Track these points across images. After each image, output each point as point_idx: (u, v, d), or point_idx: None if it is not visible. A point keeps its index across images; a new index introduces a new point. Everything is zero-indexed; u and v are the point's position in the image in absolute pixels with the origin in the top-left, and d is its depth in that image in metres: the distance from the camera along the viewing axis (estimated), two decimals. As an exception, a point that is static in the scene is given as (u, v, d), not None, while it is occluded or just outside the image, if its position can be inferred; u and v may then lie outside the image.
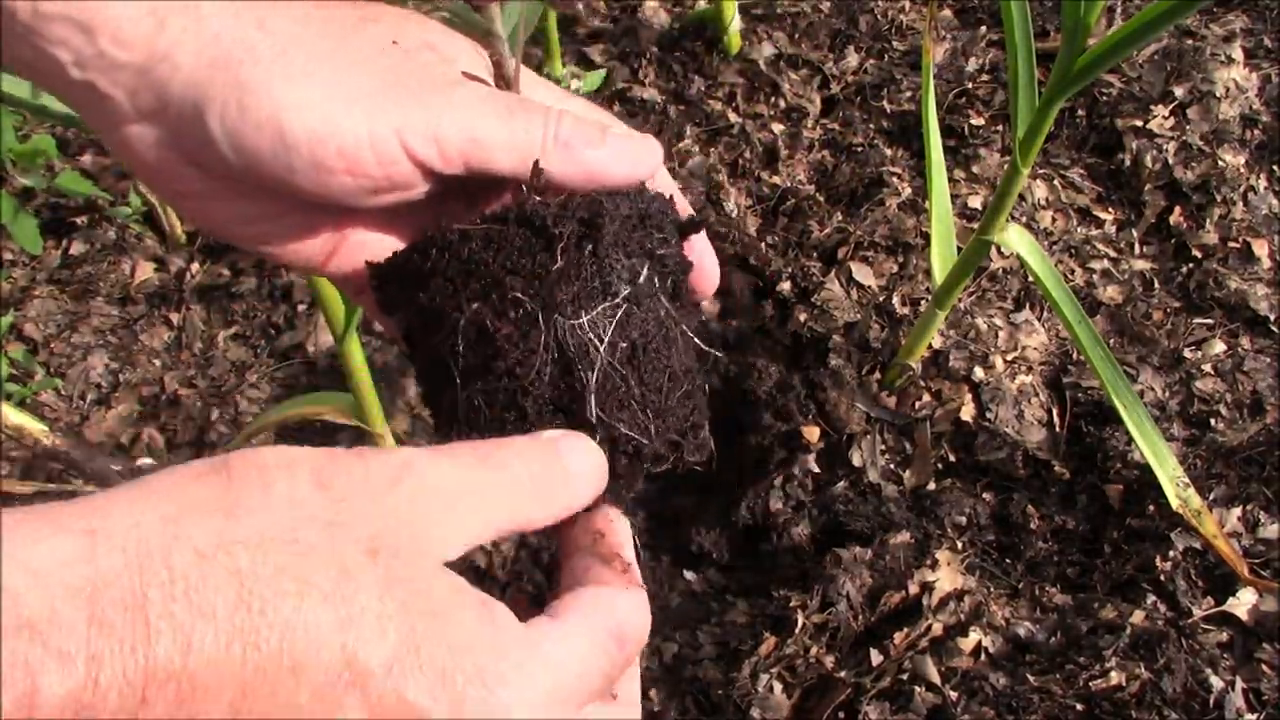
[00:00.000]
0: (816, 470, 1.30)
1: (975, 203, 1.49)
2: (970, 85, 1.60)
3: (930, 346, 1.33)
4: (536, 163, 0.47)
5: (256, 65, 0.44)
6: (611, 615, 0.43)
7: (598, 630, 0.42)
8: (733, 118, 1.62)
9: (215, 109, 0.44)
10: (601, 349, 0.43)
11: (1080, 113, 1.56)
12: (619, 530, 0.48)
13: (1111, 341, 1.35)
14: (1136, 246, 1.45)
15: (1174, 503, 1.10)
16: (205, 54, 0.44)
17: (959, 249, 1.17)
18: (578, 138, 0.47)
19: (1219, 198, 1.43)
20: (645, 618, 0.45)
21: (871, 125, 1.62)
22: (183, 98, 0.44)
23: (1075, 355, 1.33)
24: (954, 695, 1.02)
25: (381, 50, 0.46)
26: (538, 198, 0.47)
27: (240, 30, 0.44)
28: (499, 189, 0.52)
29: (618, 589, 0.45)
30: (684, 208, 0.51)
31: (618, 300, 0.44)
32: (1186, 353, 1.32)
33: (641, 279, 0.45)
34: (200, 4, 0.44)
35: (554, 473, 0.43)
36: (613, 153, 0.48)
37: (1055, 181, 1.52)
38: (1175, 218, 1.45)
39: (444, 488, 0.40)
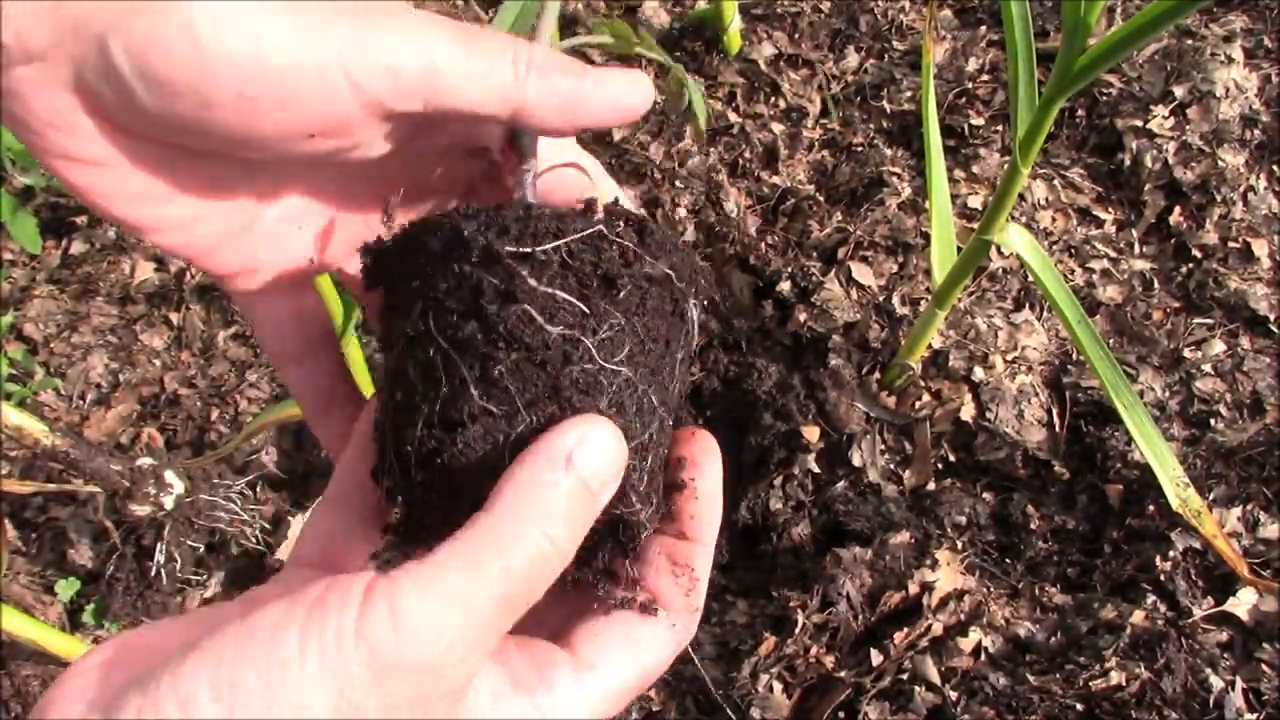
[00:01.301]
0: (816, 470, 1.30)
1: (975, 203, 1.49)
2: (970, 85, 1.60)
3: (930, 346, 1.33)
4: (514, 134, 0.42)
5: None
6: (648, 656, 0.43)
7: (630, 679, 0.42)
8: (733, 118, 1.62)
9: (120, 33, 0.36)
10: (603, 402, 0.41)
11: (1080, 113, 1.56)
12: (706, 525, 0.45)
13: (1111, 341, 1.35)
14: (1136, 246, 1.45)
15: (1174, 503, 1.10)
16: None
17: (959, 249, 1.17)
18: (554, 66, 0.40)
19: (1219, 198, 1.43)
20: (678, 650, 0.44)
21: (871, 125, 1.62)
22: (80, 24, 0.36)
23: (1075, 355, 1.33)
24: (954, 695, 1.02)
25: None
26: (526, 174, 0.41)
27: None
28: (461, 158, 0.46)
29: (665, 626, 0.44)
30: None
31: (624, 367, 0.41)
32: (1186, 353, 1.32)
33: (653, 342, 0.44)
34: None
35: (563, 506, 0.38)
36: (595, 82, 0.41)
37: (1055, 181, 1.52)
38: (1175, 218, 1.45)
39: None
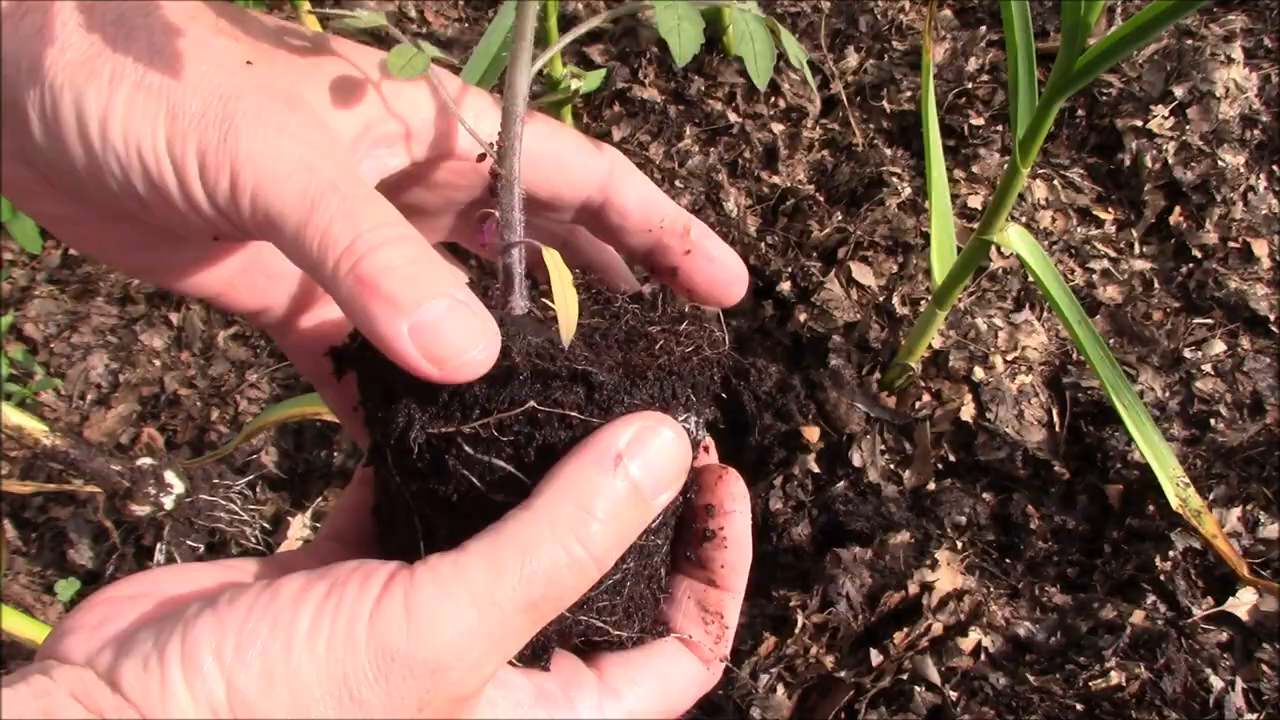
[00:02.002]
0: (816, 470, 1.30)
1: (975, 203, 1.49)
2: (970, 85, 1.60)
3: (930, 346, 1.33)
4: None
5: (67, 68, 0.34)
6: (674, 693, 0.42)
7: (653, 712, 0.41)
8: (733, 117, 1.62)
9: (33, 117, 0.35)
10: None
11: (1080, 113, 1.56)
12: (736, 573, 0.44)
13: (1111, 341, 1.35)
14: (1136, 246, 1.45)
15: (1174, 503, 1.10)
16: (25, 51, 0.35)
17: (959, 249, 1.17)
18: (384, 279, 0.34)
19: (1219, 198, 1.43)
20: (703, 692, 0.43)
21: (871, 125, 1.62)
22: (11, 103, 0.36)
23: (1075, 355, 1.33)
24: (954, 695, 1.02)
25: (223, 66, 0.36)
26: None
27: (60, 26, 0.35)
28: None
29: (696, 665, 0.43)
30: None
31: None
32: (1186, 353, 1.32)
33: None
34: None
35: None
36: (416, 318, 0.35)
37: (1055, 181, 1.52)
38: (1175, 218, 1.45)
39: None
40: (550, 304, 0.39)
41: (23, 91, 0.35)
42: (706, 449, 0.48)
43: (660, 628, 0.44)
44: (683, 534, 0.45)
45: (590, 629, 0.41)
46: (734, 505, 0.44)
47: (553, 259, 0.40)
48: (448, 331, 0.35)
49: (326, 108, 0.38)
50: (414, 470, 0.38)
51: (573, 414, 0.37)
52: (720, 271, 0.46)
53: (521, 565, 0.34)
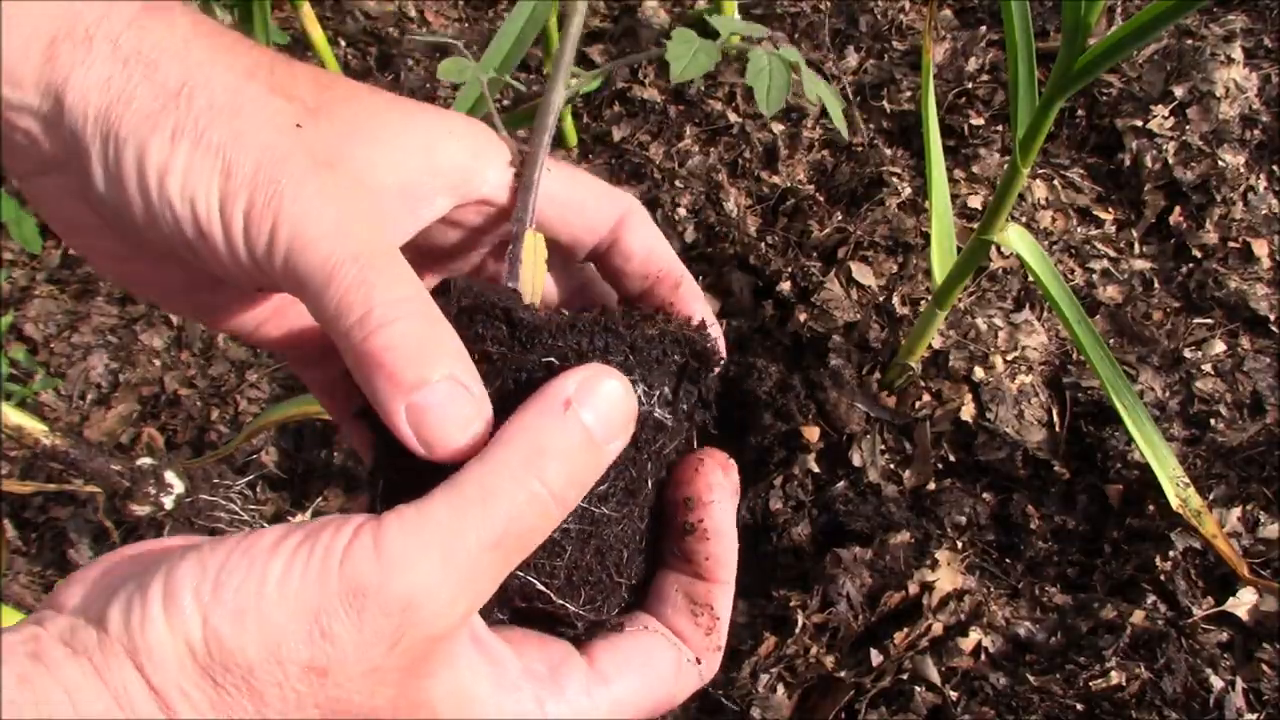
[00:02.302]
0: (816, 470, 1.30)
1: (975, 203, 1.49)
2: (970, 85, 1.60)
3: (930, 346, 1.33)
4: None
5: (132, 120, 0.38)
6: (664, 684, 0.42)
7: (642, 702, 0.42)
8: (733, 118, 1.62)
9: (96, 164, 0.38)
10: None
11: (1080, 113, 1.57)
12: (723, 564, 0.44)
13: (1111, 341, 1.35)
14: (1136, 246, 1.46)
15: (1174, 503, 1.10)
16: (94, 100, 0.38)
17: (959, 249, 1.17)
18: (388, 356, 0.37)
19: (1219, 198, 1.43)
20: (699, 686, 0.44)
21: (871, 125, 1.62)
22: (75, 148, 0.39)
23: (1075, 355, 1.33)
24: (954, 695, 1.02)
25: (276, 127, 0.39)
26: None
27: (126, 78, 0.38)
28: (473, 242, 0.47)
29: (686, 657, 0.43)
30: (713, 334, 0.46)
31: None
32: (1186, 353, 1.32)
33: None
34: (92, 41, 0.38)
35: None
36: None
37: (1055, 181, 1.52)
38: (1175, 218, 1.45)
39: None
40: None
41: (87, 139, 0.38)
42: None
43: (638, 617, 0.45)
44: (665, 529, 0.45)
45: (528, 587, 0.41)
46: (712, 495, 0.44)
47: (532, 240, 0.43)
48: (440, 416, 0.37)
49: (370, 166, 0.41)
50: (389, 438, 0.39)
51: (493, 349, 0.39)
52: (683, 310, 0.49)
53: (483, 504, 0.35)
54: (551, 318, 0.41)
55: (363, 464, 1.35)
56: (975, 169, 1.52)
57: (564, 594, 0.42)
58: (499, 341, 0.40)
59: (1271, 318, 1.33)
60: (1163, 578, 1.11)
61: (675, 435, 0.44)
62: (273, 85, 0.40)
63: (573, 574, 0.42)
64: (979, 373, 1.32)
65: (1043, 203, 1.49)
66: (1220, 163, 1.45)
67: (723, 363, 0.46)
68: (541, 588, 0.41)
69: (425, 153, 0.42)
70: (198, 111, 0.38)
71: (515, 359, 0.40)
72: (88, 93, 0.38)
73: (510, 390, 0.39)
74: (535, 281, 0.43)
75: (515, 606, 0.42)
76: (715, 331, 0.47)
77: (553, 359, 0.39)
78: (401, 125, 0.42)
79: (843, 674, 1.05)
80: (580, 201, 0.47)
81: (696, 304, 0.48)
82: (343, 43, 1.83)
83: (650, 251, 0.47)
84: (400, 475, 0.40)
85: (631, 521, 0.44)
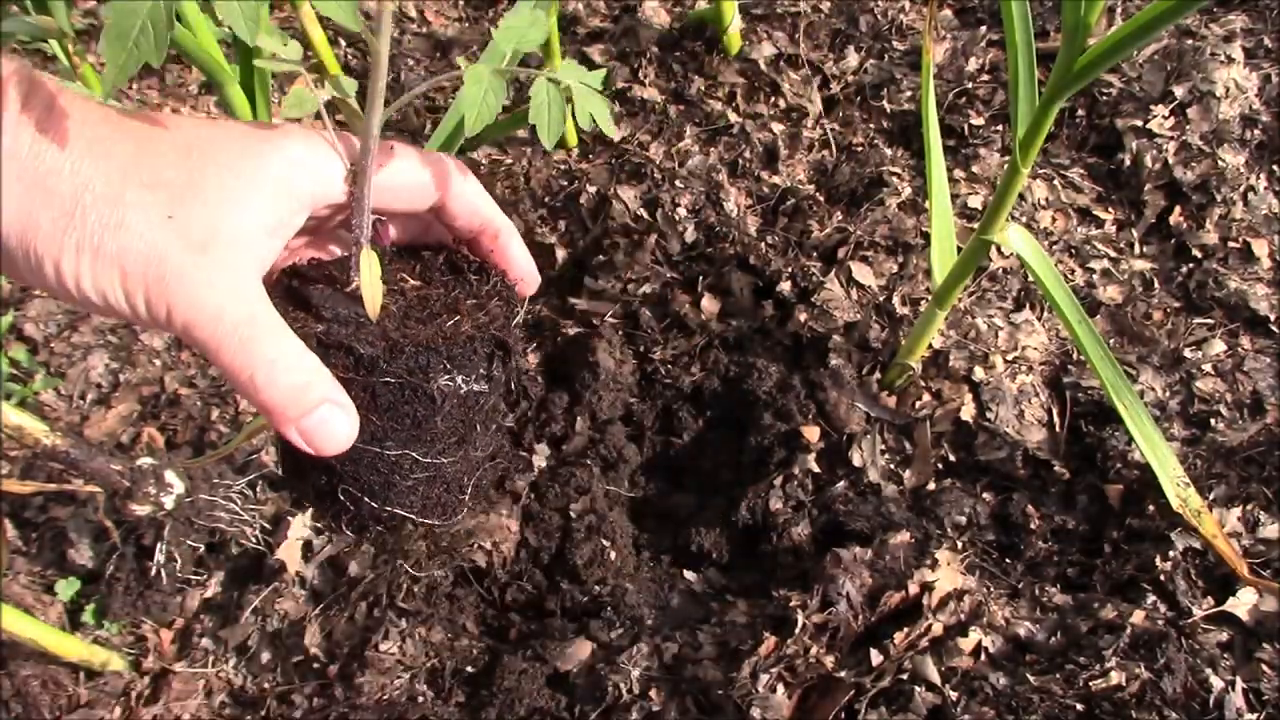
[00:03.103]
0: (816, 470, 1.30)
1: (975, 203, 1.49)
2: (970, 85, 1.60)
3: (930, 346, 1.33)
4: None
5: (45, 239, 0.49)
6: None
7: None
8: (733, 118, 1.62)
9: (22, 269, 0.49)
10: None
11: (1080, 113, 1.57)
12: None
13: (1111, 341, 1.35)
14: (1136, 246, 1.46)
15: (1174, 503, 1.10)
16: (13, 229, 0.48)
17: (959, 249, 1.17)
18: (275, 399, 0.51)
19: (1219, 198, 1.43)
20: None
21: (871, 125, 1.62)
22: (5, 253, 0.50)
23: (1075, 355, 1.33)
24: (954, 695, 1.02)
25: (152, 224, 0.49)
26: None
27: (30, 204, 0.48)
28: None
29: None
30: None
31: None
32: (1186, 353, 1.32)
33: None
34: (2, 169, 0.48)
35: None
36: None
37: (1055, 181, 1.52)
38: (1175, 218, 1.45)
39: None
40: (388, 281, 0.57)
41: (12, 251, 0.48)
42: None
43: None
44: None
45: (395, 517, 0.60)
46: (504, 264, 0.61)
47: (366, 259, 0.55)
48: (323, 431, 0.52)
49: (237, 229, 0.51)
50: None
51: (345, 374, 0.54)
52: (513, 269, 0.62)
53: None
54: (385, 346, 0.54)
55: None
56: (975, 169, 1.52)
57: (423, 514, 0.60)
58: (348, 369, 0.54)
59: (1271, 318, 1.33)
60: (1163, 578, 1.11)
61: (492, 393, 0.59)
62: (143, 180, 0.49)
63: (426, 502, 0.60)
64: (979, 373, 1.32)
65: (1043, 203, 1.50)
66: (1220, 163, 1.45)
67: (527, 298, 0.62)
68: (405, 514, 0.59)
69: (281, 192, 0.52)
70: (90, 228, 0.48)
71: (361, 380, 0.54)
72: (10, 220, 0.47)
73: (361, 398, 0.54)
74: (373, 295, 0.55)
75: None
76: (525, 267, 0.62)
77: (388, 379, 0.54)
78: (255, 172, 0.52)
79: (843, 674, 1.05)
80: (407, 185, 0.57)
81: (513, 247, 0.61)
82: (343, 43, 1.83)
83: (469, 210, 0.59)
84: (290, 451, 0.57)
85: (466, 459, 0.60)
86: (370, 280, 0.54)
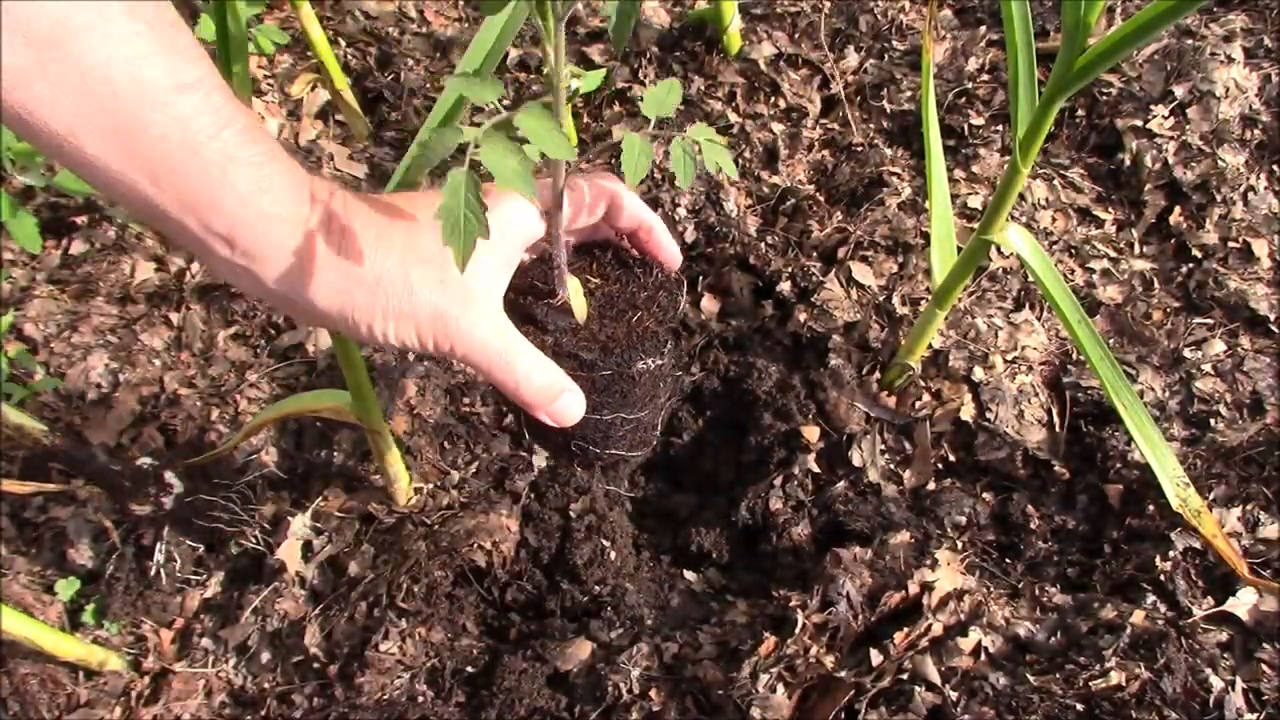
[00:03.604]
0: (816, 470, 1.29)
1: (975, 203, 1.49)
2: (970, 85, 1.60)
3: (930, 346, 1.33)
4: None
5: (361, 310, 0.68)
6: None
7: None
8: (733, 117, 1.62)
9: (332, 323, 0.69)
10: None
11: (1080, 113, 1.57)
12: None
13: (1111, 341, 1.35)
14: (1136, 246, 1.46)
15: (1174, 503, 1.10)
16: (333, 302, 0.67)
17: (959, 249, 1.17)
18: (533, 398, 0.72)
19: (1219, 198, 1.43)
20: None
21: (871, 125, 1.62)
22: (331, 312, 0.68)
23: (1075, 355, 1.33)
24: (954, 695, 1.02)
25: (430, 289, 0.68)
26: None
27: (344, 283, 0.66)
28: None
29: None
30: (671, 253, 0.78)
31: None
32: (1186, 353, 1.32)
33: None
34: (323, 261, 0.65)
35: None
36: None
37: (1055, 181, 1.52)
38: (1175, 218, 1.45)
39: None
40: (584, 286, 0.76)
41: (339, 314, 0.66)
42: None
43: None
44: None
45: (612, 455, 0.82)
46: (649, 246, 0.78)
47: (572, 284, 0.74)
48: (564, 413, 0.73)
49: (487, 281, 0.70)
50: None
51: (573, 371, 0.74)
52: (661, 254, 0.78)
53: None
54: (599, 349, 0.74)
55: (365, 461, 1.34)
56: (975, 169, 1.52)
57: (631, 450, 0.82)
58: (574, 369, 0.73)
59: (1271, 318, 1.33)
60: (1163, 578, 1.11)
61: (669, 364, 0.80)
62: (419, 258, 0.66)
63: (632, 443, 0.81)
64: (979, 373, 1.32)
65: (1043, 203, 1.49)
66: (1220, 163, 1.45)
67: (685, 281, 0.80)
68: (619, 453, 0.81)
69: (504, 243, 0.71)
70: (391, 299, 0.66)
71: (585, 375, 0.74)
72: (330, 298, 0.65)
73: (584, 384, 0.74)
74: (580, 308, 0.74)
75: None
76: (672, 252, 0.78)
77: (604, 372, 0.74)
78: (493, 235, 0.66)
79: (843, 674, 1.05)
80: (586, 205, 0.75)
81: (663, 237, 0.78)
82: (343, 43, 1.83)
83: (633, 215, 0.76)
84: (536, 423, 0.75)
85: (656, 409, 0.81)
86: (577, 299, 0.74)
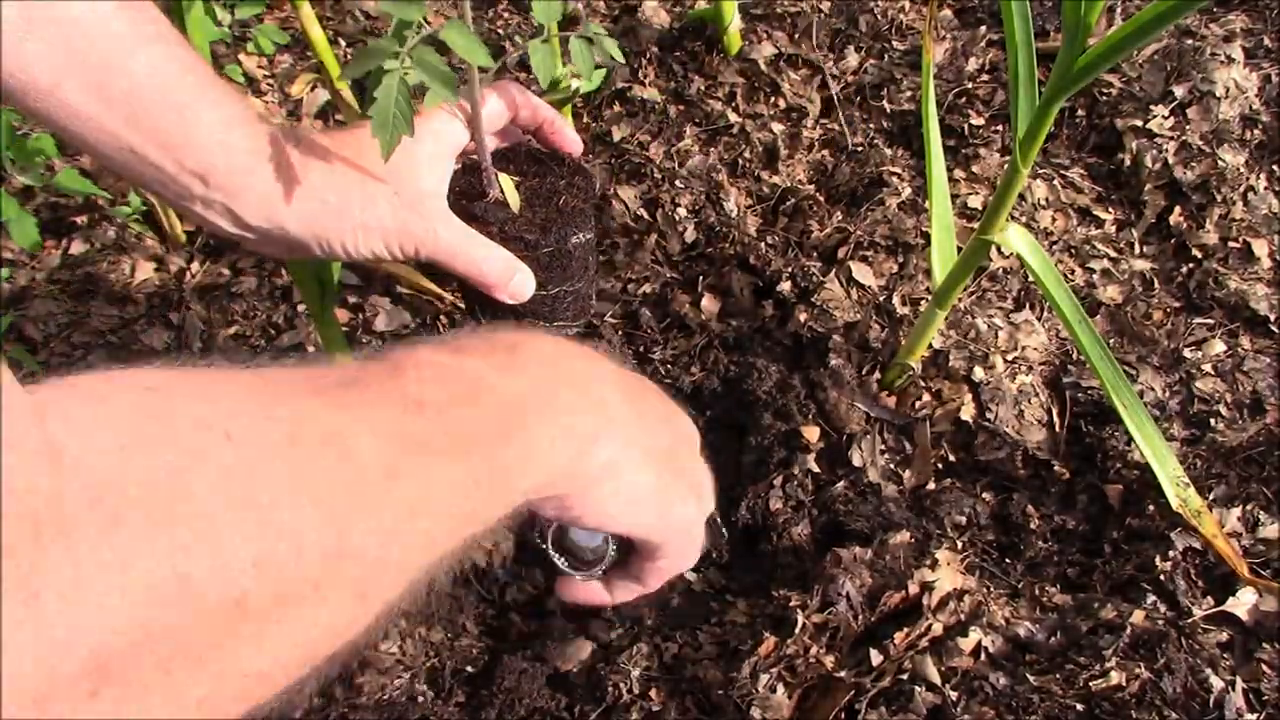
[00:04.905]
0: (816, 470, 1.29)
1: (975, 203, 1.49)
2: (970, 85, 1.60)
3: (930, 346, 1.33)
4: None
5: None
6: None
7: None
8: (733, 117, 1.62)
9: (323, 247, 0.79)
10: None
11: (1080, 113, 1.57)
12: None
13: (1111, 341, 1.35)
14: (1136, 246, 1.46)
15: (1174, 503, 1.10)
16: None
17: (959, 249, 1.17)
18: (494, 278, 0.85)
19: (1219, 198, 1.43)
20: None
21: (871, 125, 1.62)
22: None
23: (1075, 355, 1.33)
24: (954, 695, 1.02)
25: (393, 205, 0.80)
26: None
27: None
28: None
29: None
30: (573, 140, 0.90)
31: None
32: (1186, 353, 1.32)
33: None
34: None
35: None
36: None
37: (1055, 181, 1.52)
38: (1175, 218, 1.45)
39: None
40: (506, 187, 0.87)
41: (311, 237, 0.77)
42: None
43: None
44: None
45: (546, 324, 0.91)
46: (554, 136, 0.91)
47: (504, 179, 0.85)
48: (520, 290, 0.83)
49: (432, 193, 0.81)
50: None
51: (524, 252, 0.85)
52: (566, 144, 0.89)
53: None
54: (539, 230, 0.85)
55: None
56: (975, 169, 1.52)
57: (574, 320, 0.92)
58: (520, 252, 0.84)
59: (1271, 318, 1.33)
60: (1163, 578, 1.11)
61: (594, 241, 0.90)
62: (373, 175, 0.77)
63: (572, 312, 0.91)
64: (979, 373, 1.32)
65: (1043, 203, 1.50)
66: (1220, 163, 1.45)
67: (598, 172, 1.01)
68: (564, 324, 0.91)
69: (439, 154, 0.81)
70: (355, 215, 0.77)
71: (530, 254, 0.84)
72: (301, 224, 0.77)
73: (530, 262, 0.85)
74: (513, 199, 0.85)
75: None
76: (574, 140, 0.90)
77: (546, 249, 0.84)
78: (423, 149, 0.79)
79: (843, 674, 1.05)
80: (499, 113, 0.86)
81: (564, 132, 0.89)
82: (343, 43, 1.83)
83: (536, 110, 0.87)
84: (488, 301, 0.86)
85: (588, 282, 0.91)
86: (510, 193, 0.84)
